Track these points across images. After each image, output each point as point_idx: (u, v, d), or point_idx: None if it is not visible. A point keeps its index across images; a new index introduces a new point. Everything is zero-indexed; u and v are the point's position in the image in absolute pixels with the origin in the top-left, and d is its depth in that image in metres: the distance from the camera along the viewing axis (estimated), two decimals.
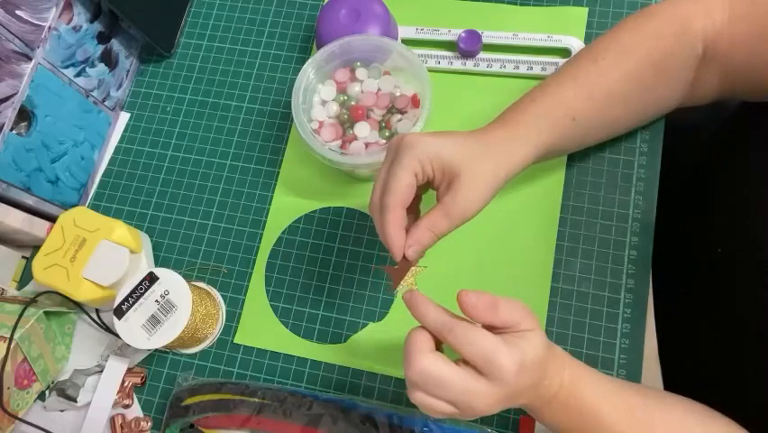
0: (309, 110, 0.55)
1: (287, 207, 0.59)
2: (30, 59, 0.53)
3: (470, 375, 0.36)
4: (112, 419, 0.54)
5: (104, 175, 0.63)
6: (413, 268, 0.53)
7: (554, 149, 0.46)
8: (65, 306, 0.56)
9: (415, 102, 0.54)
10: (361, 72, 0.56)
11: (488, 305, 0.37)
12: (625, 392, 0.41)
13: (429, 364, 0.36)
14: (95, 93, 0.62)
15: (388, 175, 0.42)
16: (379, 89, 0.56)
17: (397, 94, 0.55)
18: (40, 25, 0.54)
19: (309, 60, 0.54)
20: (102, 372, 0.55)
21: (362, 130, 0.54)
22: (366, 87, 0.56)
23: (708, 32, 0.46)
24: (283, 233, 0.59)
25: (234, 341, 0.56)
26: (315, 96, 0.56)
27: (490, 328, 0.37)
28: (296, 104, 0.53)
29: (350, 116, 0.55)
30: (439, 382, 0.36)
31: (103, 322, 0.57)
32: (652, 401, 0.41)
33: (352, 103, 0.55)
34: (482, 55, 0.60)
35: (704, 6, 0.46)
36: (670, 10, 0.47)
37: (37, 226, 0.56)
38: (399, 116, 0.55)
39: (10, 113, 0.52)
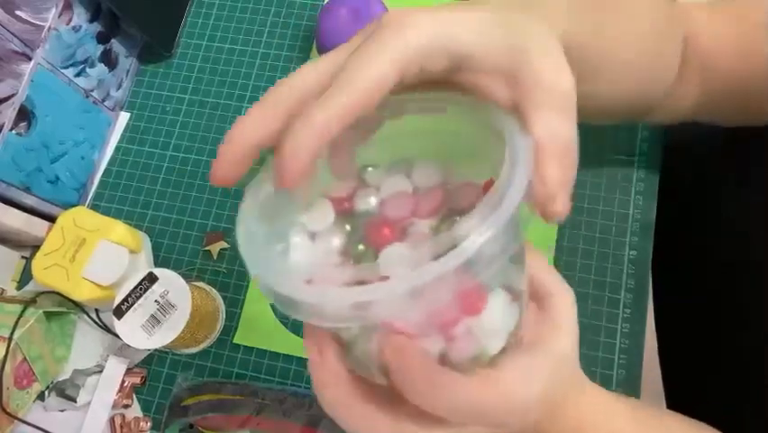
0: (283, 261, 0.28)
1: None
2: (30, 59, 0.53)
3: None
4: (111, 420, 0.54)
5: (103, 175, 0.63)
6: None
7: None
8: (65, 306, 0.56)
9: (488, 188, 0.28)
10: (374, 173, 0.30)
11: None
12: (630, 413, 0.36)
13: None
14: (95, 93, 0.62)
15: (349, 59, 0.24)
16: (416, 187, 0.30)
17: (457, 181, 0.29)
18: (39, 25, 0.54)
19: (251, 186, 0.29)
20: (102, 372, 0.55)
21: (395, 257, 0.26)
22: (390, 188, 0.30)
23: (689, 24, 0.40)
24: None
25: (234, 341, 0.56)
26: (294, 236, 0.29)
27: None
28: (251, 258, 0.25)
29: (368, 245, 0.28)
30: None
31: (102, 322, 0.57)
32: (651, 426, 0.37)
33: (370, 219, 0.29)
34: None
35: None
36: None
37: (37, 226, 0.56)
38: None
39: (10, 113, 0.52)
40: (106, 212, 0.62)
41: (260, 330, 0.56)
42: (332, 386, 0.26)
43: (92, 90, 0.61)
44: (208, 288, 0.57)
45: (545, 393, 0.26)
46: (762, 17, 0.41)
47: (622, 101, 0.38)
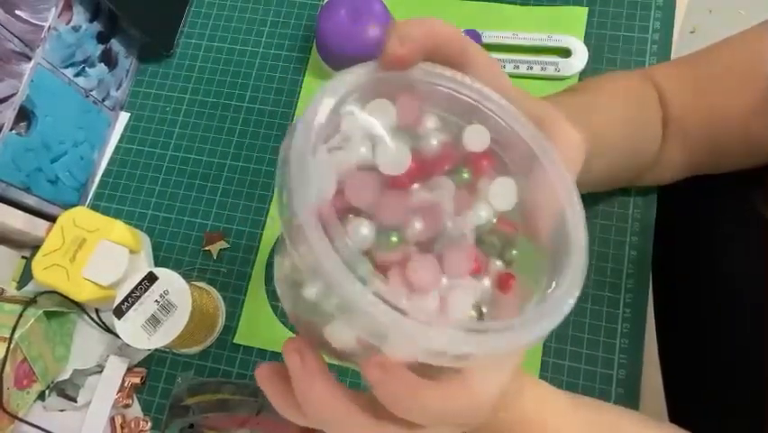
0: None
1: None
2: (29, 58, 0.53)
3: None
4: (112, 420, 0.54)
5: (103, 175, 0.63)
6: None
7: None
8: (65, 306, 0.56)
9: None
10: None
11: None
12: (582, 412, 0.36)
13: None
14: (94, 93, 0.62)
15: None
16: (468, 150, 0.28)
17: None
18: (39, 25, 0.54)
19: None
20: (102, 372, 0.55)
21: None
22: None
23: (662, 96, 0.45)
24: None
25: (234, 341, 0.56)
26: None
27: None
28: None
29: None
30: None
31: (103, 322, 0.57)
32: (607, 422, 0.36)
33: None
34: None
35: (649, 74, 0.46)
36: (626, 76, 0.47)
37: (37, 226, 0.56)
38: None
39: (10, 113, 0.52)
40: (106, 212, 0.62)
41: (260, 330, 0.56)
42: (318, 384, 0.26)
43: (92, 90, 0.61)
44: (208, 288, 0.57)
45: (506, 388, 0.28)
46: (714, 67, 0.44)
47: (613, 173, 0.46)
